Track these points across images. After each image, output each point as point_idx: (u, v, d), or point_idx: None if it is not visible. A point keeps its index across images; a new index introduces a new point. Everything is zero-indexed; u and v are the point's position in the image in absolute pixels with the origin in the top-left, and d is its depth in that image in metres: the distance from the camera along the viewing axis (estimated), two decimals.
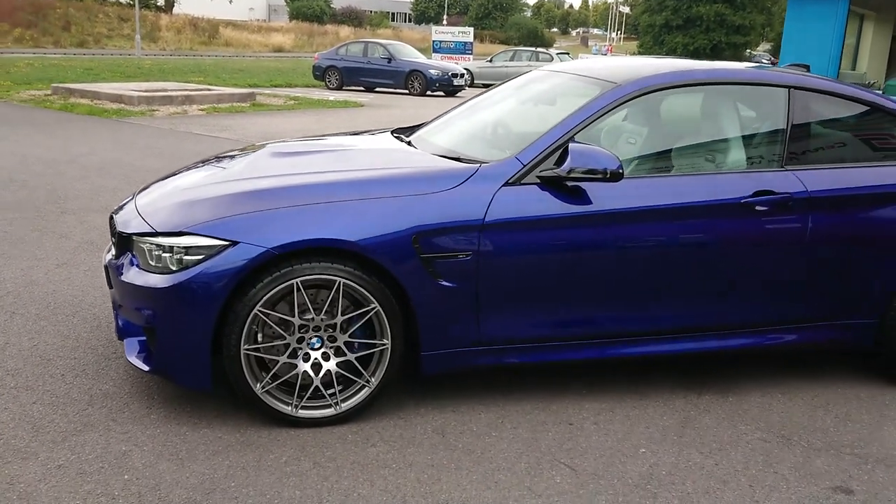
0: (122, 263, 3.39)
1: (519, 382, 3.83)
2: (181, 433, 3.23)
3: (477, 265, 3.33)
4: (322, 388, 3.30)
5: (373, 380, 3.35)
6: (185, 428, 3.28)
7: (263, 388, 3.24)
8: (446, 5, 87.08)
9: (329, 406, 3.33)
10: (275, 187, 3.37)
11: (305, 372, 3.29)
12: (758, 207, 3.61)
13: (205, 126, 12.76)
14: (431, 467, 3.07)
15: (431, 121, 4.60)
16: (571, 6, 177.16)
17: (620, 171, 3.34)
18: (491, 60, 30.30)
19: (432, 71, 22.56)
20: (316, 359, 3.30)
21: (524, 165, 3.44)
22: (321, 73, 24.05)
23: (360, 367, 3.33)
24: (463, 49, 39.11)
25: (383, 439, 3.26)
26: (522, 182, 3.43)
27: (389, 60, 23.16)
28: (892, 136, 4.04)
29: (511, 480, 3.00)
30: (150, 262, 3.24)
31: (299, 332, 3.25)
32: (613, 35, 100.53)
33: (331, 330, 3.28)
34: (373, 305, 3.24)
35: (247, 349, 3.18)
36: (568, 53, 30.61)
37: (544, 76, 4.39)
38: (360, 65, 23.44)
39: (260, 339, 3.24)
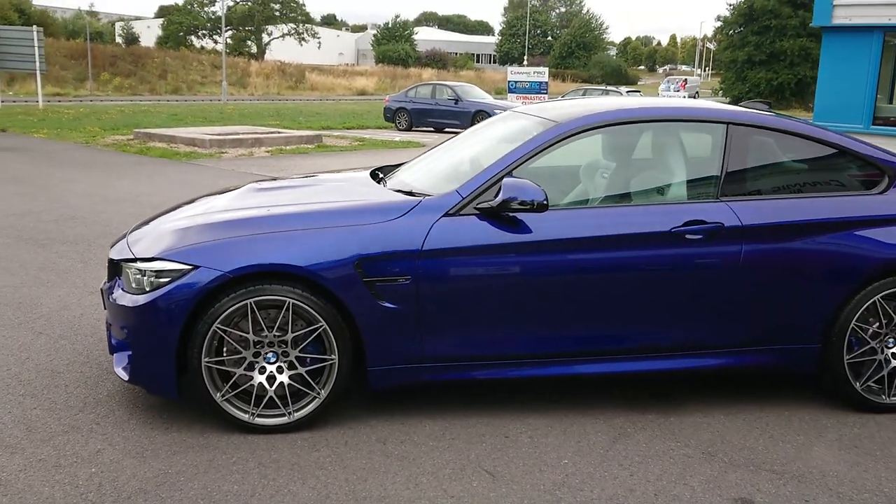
0: (112, 287, 3.88)
1: (471, 398, 4.12)
2: (151, 435, 3.65)
3: (417, 288, 3.67)
4: (276, 399, 3.68)
5: (322, 392, 3.70)
6: (156, 431, 3.70)
7: (223, 396, 3.64)
8: (527, 46, 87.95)
9: (283, 415, 3.70)
10: (238, 218, 3.81)
11: (261, 383, 3.67)
12: (688, 236, 3.84)
13: (265, 167, 13.49)
14: (363, 470, 3.40)
15: (413, 159, 4.98)
16: (659, 43, 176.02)
17: (545, 202, 3.65)
18: (563, 98, 30.57)
19: (498, 111, 22.98)
20: (271, 372, 3.68)
21: (463, 198, 3.78)
22: (391, 115, 24.87)
23: (310, 380, 3.69)
24: (538, 89, 39.53)
25: (328, 445, 3.61)
26: (462, 213, 3.76)
27: (456, 101, 23.79)
28: (831, 168, 4.21)
29: (431, 483, 3.30)
30: (132, 284, 3.70)
31: (255, 348, 3.64)
32: (699, 71, 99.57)
33: (283, 346, 3.66)
34: (320, 324, 3.61)
35: (207, 362, 3.59)
36: (638, 91, 30.75)
37: (509, 117, 4.72)
38: (428, 106, 24.15)
39: (224, 352, 3.65)
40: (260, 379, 3.67)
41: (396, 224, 3.70)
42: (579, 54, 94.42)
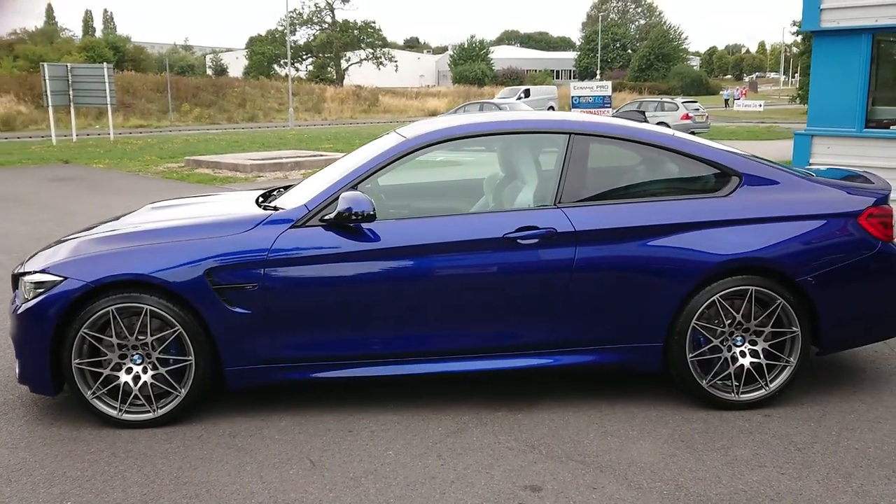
0: (14, 298, 4.36)
1: (337, 396, 4.41)
2: (34, 430, 4.10)
3: (264, 294, 4.01)
4: (140, 396, 4.07)
5: (182, 391, 4.08)
6: (41, 426, 4.14)
7: (94, 394, 4.06)
8: (599, 60, 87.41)
9: (149, 411, 4.09)
10: (111, 234, 4.24)
11: (127, 382, 4.07)
12: (521, 241, 4.06)
13: None
14: (199, 459, 3.75)
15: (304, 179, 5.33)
16: (748, 51, 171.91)
17: (372, 213, 3.96)
18: (617, 111, 30.50)
19: None
20: (137, 372, 4.08)
21: (309, 211, 4.11)
22: None
23: (170, 380, 4.07)
24: (601, 103, 39.47)
25: (183, 438, 3.97)
26: (308, 225, 4.09)
27: None
28: (676, 173, 4.36)
29: (253, 470, 3.63)
30: (25, 295, 4.17)
31: (120, 350, 4.05)
32: (782, 77, 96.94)
33: (146, 348, 4.06)
34: (176, 328, 4.00)
35: (77, 363, 4.01)
36: (695, 101, 30.30)
37: (387, 135, 5.02)
38: None
39: (95, 354, 4.06)
40: (126, 378, 4.07)
41: (245, 236, 4.06)
42: (658, 66, 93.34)
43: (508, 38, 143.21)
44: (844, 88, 9.87)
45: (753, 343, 4.20)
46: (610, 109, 36.64)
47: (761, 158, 4.56)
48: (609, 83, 40.76)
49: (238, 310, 4.01)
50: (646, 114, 28.81)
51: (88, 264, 4.03)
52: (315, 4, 78.83)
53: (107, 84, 25.06)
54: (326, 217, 4.08)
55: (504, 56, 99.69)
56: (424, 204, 5.08)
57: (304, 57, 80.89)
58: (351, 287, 4.07)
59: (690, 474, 3.54)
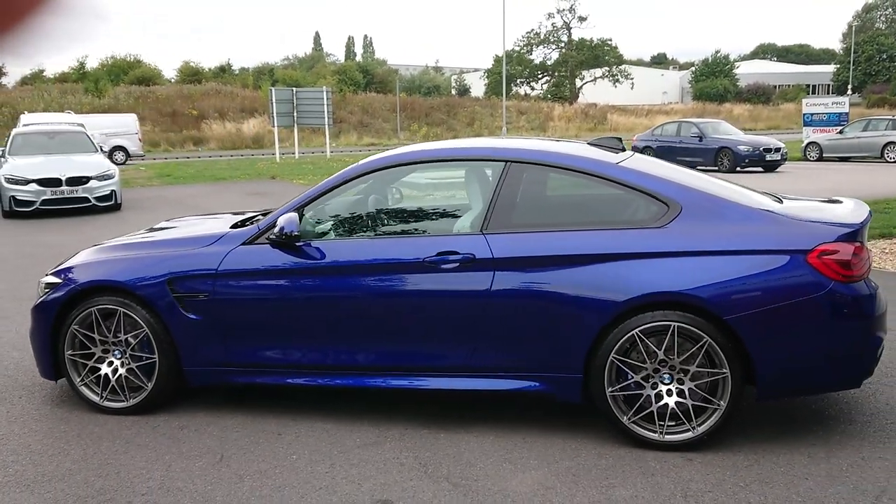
0: None
1: (295, 401, 4.75)
2: (41, 408, 4.83)
3: (214, 303, 4.47)
4: (117, 387, 4.67)
5: (149, 385, 4.63)
6: (48, 406, 4.87)
7: (81, 382, 4.72)
8: (852, 73, 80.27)
9: (123, 400, 4.68)
10: (110, 245, 4.91)
11: (107, 374, 4.69)
12: (442, 266, 4.19)
13: None
14: (138, 446, 4.25)
15: None
16: None
17: (296, 234, 4.29)
18: (842, 132, 28.16)
19: (742, 147, 22.08)
20: (116, 365, 4.69)
21: (259, 230, 4.52)
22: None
23: (139, 375, 4.64)
24: (837, 120, 36.65)
25: (141, 426, 4.51)
26: (256, 242, 4.50)
27: (701, 138, 23.18)
28: (612, 202, 4.26)
29: (169, 460, 4.06)
30: (39, 294, 4.93)
31: (102, 346, 4.68)
32: None
33: (121, 345, 4.65)
34: (142, 329, 4.56)
35: (69, 355, 4.70)
36: None
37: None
38: (672, 144, 23.80)
39: (87, 348, 4.73)
40: (107, 370, 4.69)
41: (203, 251, 4.55)
42: None
43: (764, 51, 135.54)
44: None
45: (681, 382, 4.01)
46: (846, 126, 33.86)
47: (724, 189, 4.32)
48: (846, 99, 37.72)
49: (192, 316, 4.49)
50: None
51: (80, 269, 4.71)
52: (552, 24, 79.87)
53: (325, 105, 27.23)
54: (270, 236, 4.46)
55: (752, 71, 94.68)
56: (406, 225, 5.25)
57: (540, 76, 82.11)
58: (285, 301, 4.41)
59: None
